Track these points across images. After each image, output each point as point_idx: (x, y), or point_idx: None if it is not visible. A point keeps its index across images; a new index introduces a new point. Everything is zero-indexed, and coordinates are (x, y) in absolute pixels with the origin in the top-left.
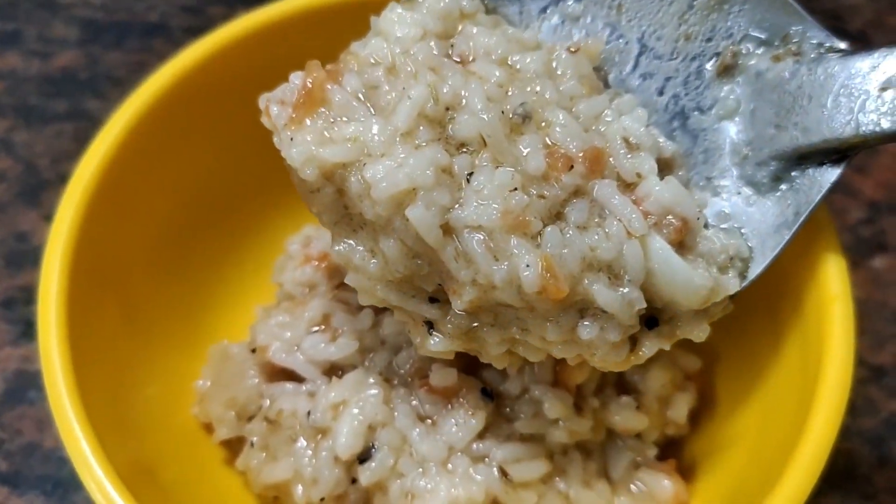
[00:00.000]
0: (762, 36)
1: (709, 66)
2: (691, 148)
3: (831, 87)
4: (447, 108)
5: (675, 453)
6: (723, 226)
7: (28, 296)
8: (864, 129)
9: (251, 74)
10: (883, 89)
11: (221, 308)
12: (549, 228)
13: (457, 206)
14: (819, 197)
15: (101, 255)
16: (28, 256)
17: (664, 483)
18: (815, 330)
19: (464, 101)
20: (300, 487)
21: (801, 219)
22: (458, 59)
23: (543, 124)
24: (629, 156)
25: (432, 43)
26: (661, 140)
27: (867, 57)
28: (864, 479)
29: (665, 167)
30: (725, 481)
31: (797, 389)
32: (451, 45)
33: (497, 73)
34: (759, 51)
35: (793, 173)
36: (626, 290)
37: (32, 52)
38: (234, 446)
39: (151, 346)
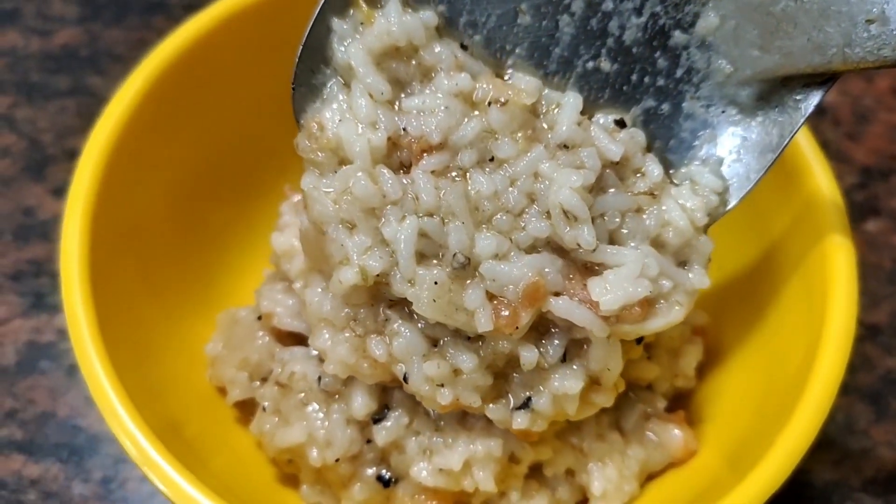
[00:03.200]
0: None
1: None
2: (673, 68)
3: (817, 15)
4: (378, 275)
5: (683, 406)
6: (701, 152)
7: (36, 269)
8: (850, 60)
9: (260, 41)
10: (869, 21)
11: (237, 271)
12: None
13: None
14: (803, 119)
15: (119, 220)
16: (35, 230)
17: (674, 433)
18: (819, 285)
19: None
20: (315, 450)
21: (786, 141)
22: (403, 155)
23: (482, 267)
24: (568, 229)
25: (379, 133)
26: (605, 144)
27: None
28: (862, 433)
29: (621, 164)
30: (731, 432)
31: (801, 344)
32: (404, 131)
33: (430, 195)
34: None
35: (777, 94)
36: (602, 397)
37: (32, 29)
38: (249, 407)
39: (170, 309)
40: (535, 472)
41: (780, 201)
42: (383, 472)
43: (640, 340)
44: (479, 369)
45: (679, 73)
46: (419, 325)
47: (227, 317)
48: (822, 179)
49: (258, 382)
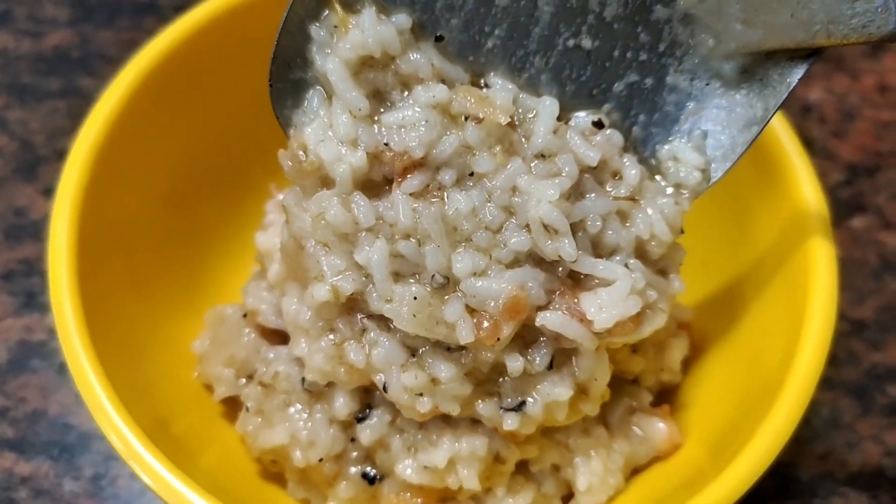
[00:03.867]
0: None
1: None
2: (656, 42)
3: None
4: (352, 294)
5: (667, 400)
6: (686, 126)
7: (27, 268)
8: (834, 36)
9: (247, 41)
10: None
11: (225, 269)
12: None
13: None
14: (787, 92)
15: (107, 219)
16: (27, 230)
17: (659, 426)
18: (800, 281)
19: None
20: (298, 451)
21: (770, 115)
22: (385, 170)
23: (462, 285)
24: (549, 242)
25: (359, 153)
26: (582, 151)
27: None
28: (848, 427)
29: (599, 168)
30: (714, 424)
31: (782, 339)
32: (386, 146)
33: (407, 218)
34: None
35: (761, 68)
36: (588, 406)
37: (23, 31)
38: (236, 404)
39: (158, 307)
40: (521, 468)
41: (763, 198)
42: (368, 469)
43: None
44: (458, 378)
45: (662, 47)
46: (397, 335)
47: (215, 314)
48: (804, 177)
49: (244, 380)
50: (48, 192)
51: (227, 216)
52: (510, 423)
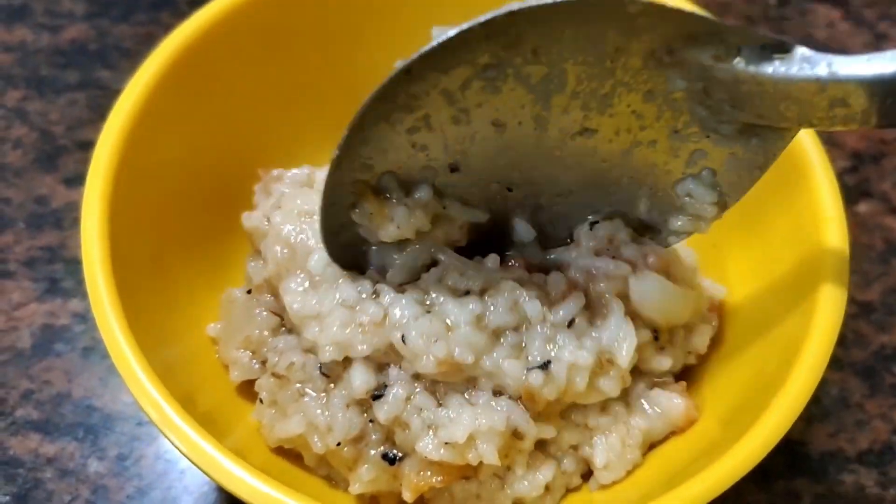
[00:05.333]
0: (695, 34)
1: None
2: (654, 116)
3: (781, 98)
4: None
5: (684, 376)
6: (695, 168)
7: (49, 255)
8: (817, 126)
9: (267, 30)
10: (832, 107)
11: (247, 253)
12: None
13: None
14: (786, 145)
15: (134, 202)
16: (48, 218)
17: (676, 401)
18: (814, 262)
19: None
20: (316, 437)
21: (771, 162)
22: None
23: None
24: None
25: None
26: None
27: (812, 80)
28: (857, 406)
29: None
30: (728, 399)
31: (796, 316)
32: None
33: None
34: (696, 49)
35: (757, 128)
36: (609, 383)
37: (41, 25)
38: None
39: (183, 290)
40: (540, 446)
41: (776, 182)
42: (388, 450)
43: (657, 338)
44: (472, 323)
45: (661, 118)
46: (412, 295)
47: (227, 297)
48: (817, 162)
49: (258, 364)
50: (68, 181)
51: (247, 202)
52: (535, 378)
